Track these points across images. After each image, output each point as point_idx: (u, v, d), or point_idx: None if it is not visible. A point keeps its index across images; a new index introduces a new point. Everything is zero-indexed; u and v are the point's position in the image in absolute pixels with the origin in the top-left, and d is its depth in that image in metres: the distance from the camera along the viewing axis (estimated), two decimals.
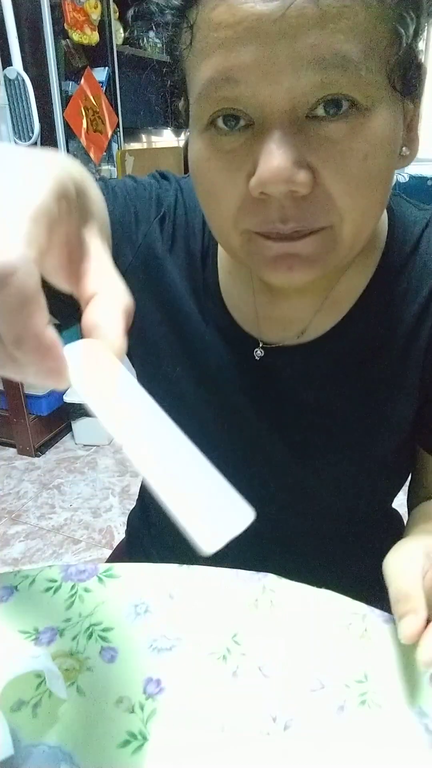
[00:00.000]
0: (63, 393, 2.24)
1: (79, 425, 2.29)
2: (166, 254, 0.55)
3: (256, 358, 0.53)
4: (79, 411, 2.24)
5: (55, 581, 0.52)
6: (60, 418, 2.31)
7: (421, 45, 0.38)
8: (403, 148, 0.42)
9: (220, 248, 0.55)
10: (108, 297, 0.25)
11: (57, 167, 0.24)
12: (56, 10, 2.03)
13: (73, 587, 0.52)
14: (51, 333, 0.22)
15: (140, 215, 0.55)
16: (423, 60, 0.40)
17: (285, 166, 0.35)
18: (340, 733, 0.40)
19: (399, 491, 0.64)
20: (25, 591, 0.52)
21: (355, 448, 0.55)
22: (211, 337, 0.55)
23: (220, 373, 0.55)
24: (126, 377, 0.22)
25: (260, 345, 0.53)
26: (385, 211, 0.51)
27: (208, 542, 0.21)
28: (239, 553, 0.60)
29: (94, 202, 0.30)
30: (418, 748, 0.39)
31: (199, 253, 0.55)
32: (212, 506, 0.21)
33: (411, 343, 0.51)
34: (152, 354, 0.57)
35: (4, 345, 0.21)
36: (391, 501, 0.65)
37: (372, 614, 0.49)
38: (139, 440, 0.21)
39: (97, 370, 0.22)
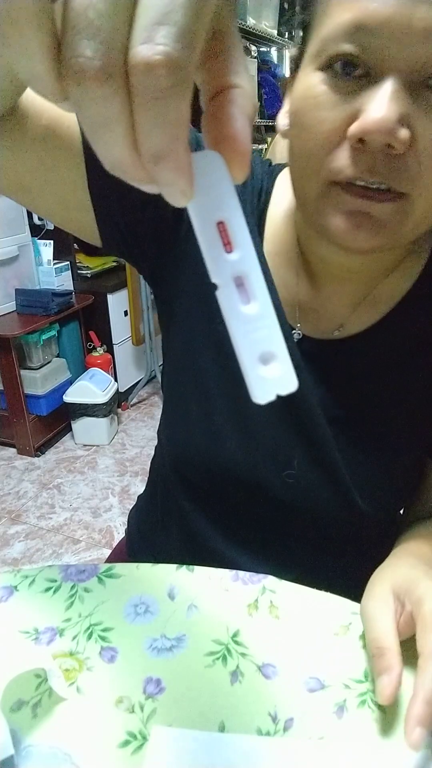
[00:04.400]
0: (63, 393, 2.24)
1: (78, 425, 2.29)
2: None
3: (294, 339, 0.54)
4: (79, 411, 2.25)
5: (55, 581, 0.52)
6: (60, 418, 2.31)
7: None
8: None
9: (267, 228, 0.55)
10: (245, 100, 0.20)
11: None
12: None
13: (73, 587, 0.52)
14: (189, 153, 0.19)
15: None
16: None
17: (390, 118, 0.36)
18: (340, 733, 0.40)
19: (407, 501, 0.64)
20: (25, 591, 0.52)
21: (379, 449, 0.55)
22: None
23: None
24: (236, 212, 0.22)
25: (299, 327, 0.54)
26: None
27: (259, 396, 0.23)
28: (239, 550, 0.60)
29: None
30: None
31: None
32: (271, 369, 0.23)
33: None
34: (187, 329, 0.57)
35: (132, 148, 0.18)
36: (399, 509, 0.65)
37: None
38: (230, 287, 0.22)
39: (214, 194, 0.21)
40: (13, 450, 2.25)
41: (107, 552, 1.61)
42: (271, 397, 0.23)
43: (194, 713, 0.42)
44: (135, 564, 0.54)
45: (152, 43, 0.16)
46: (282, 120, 0.47)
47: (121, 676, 0.45)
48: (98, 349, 2.43)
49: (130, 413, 2.59)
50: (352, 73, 0.38)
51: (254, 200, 0.55)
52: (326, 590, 0.51)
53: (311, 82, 0.40)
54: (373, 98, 0.36)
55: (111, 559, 0.80)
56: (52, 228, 2.31)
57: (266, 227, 0.55)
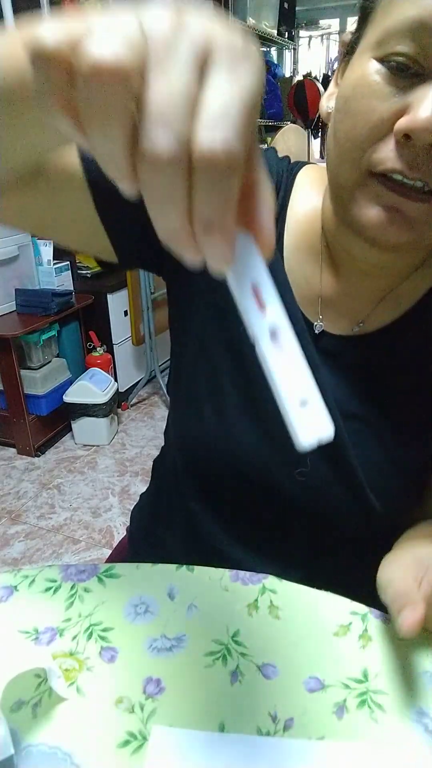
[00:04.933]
0: (63, 393, 2.24)
1: (78, 425, 2.29)
2: None
3: (316, 331, 0.54)
4: (79, 411, 2.25)
5: (55, 581, 0.52)
6: (60, 418, 2.31)
7: None
8: None
9: (289, 223, 0.55)
10: (266, 198, 0.25)
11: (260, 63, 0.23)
12: (56, 10, 2.02)
13: (73, 587, 0.52)
14: (233, 222, 0.23)
15: None
16: None
17: None
18: (340, 733, 0.40)
19: (414, 504, 0.63)
20: (25, 591, 0.52)
21: (394, 447, 0.55)
22: None
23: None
24: (267, 280, 0.25)
25: (320, 319, 0.54)
26: None
27: (305, 440, 0.25)
28: (243, 546, 0.60)
29: None
30: (418, 748, 0.39)
31: None
32: (310, 415, 0.26)
33: None
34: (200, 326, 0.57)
35: (192, 227, 0.22)
36: (412, 508, 0.64)
37: (372, 614, 0.49)
38: (271, 341, 0.25)
39: (248, 266, 0.25)
40: (13, 450, 2.25)
41: (107, 552, 1.61)
42: (314, 441, 0.25)
43: (194, 713, 0.42)
44: (135, 564, 0.54)
45: (215, 135, 0.20)
46: (326, 102, 0.48)
47: (121, 676, 0.45)
48: (98, 349, 2.43)
49: (130, 413, 2.59)
50: (408, 69, 0.39)
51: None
52: (330, 590, 0.51)
53: (367, 71, 0.41)
54: (425, 98, 0.37)
55: (111, 559, 0.80)
56: None
57: (287, 222, 0.55)
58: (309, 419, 0.25)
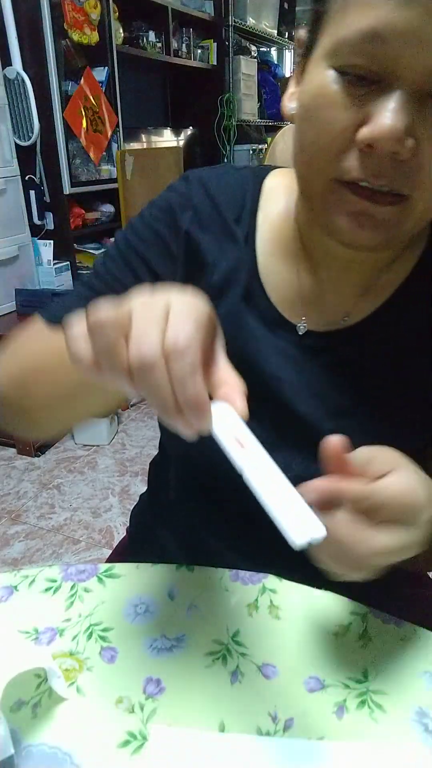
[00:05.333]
0: None
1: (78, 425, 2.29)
2: (206, 242, 0.56)
3: (299, 333, 0.54)
4: None
5: (55, 581, 0.52)
6: None
7: None
8: None
9: (259, 232, 0.56)
10: (234, 385, 0.36)
11: (207, 309, 0.36)
12: (56, 9, 2.03)
13: (73, 587, 0.52)
14: (207, 397, 0.32)
15: (165, 232, 0.57)
16: None
17: (399, 128, 0.37)
18: (340, 733, 0.40)
19: None
20: (25, 591, 0.52)
21: (383, 438, 0.55)
22: (250, 318, 0.55)
23: (258, 353, 0.55)
24: (245, 429, 0.34)
25: (303, 320, 0.54)
26: None
27: (299, 538, 0.30)
28: (245, 542, 0.60)
29: (221, 335, 0.39)
30: (418, 748, 0.39)
31: (242, 238, 0.56)
32: (299, 519, 0.31)
33: None
34: None
35: (175, 404, 0.32)
36: None
37: (372, 614, 0.49)
38: (254, 469, 0.32)
39: (229, 423, 0.34)
40: (13, 450, 2.25)
41: (107, 552, 1.61)
42: (306, 541, 0.30)
43: (194, 713, 0.42)
44: (135, 564, 0.54)
45: (173, 340, 0.32)
46: (288, 103, 0.48)
47: (121, 676, 0.45)
48: None
49: (130, 413, 2.59)
50: (365, 79, 0.39)
51: (235, 210, 0.56)
52: (330, 590, 0.51)
53: (324, 80, 0.41)
54: (384, 107, 0.38)
55: (111, 559, 0.80)
56: (52, 228, 2.31)
57: (259, 229, 0.56)
58: (299, 525, 0.30)
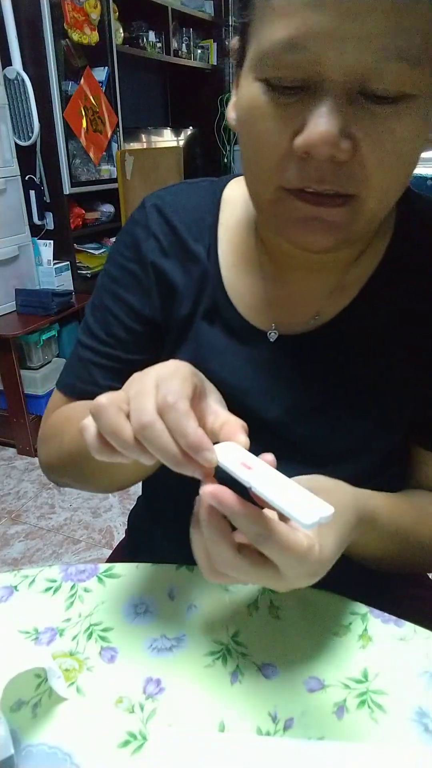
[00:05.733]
0: None
1: None
2: (170, 267, 0.57)
3: (271, 340, 0.54)
4: None
5: (55, 581, 0.52)
6: None
7: None
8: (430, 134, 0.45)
9: (220, 245, 0.56)
10: (234, 423, 0.39)
11: (189, 367, 0.40)
12: (56, 9, 2.02)
13: (73, 587, 0.52)
14: (205, 436, 0.35)
15: (137, 276, 0.58)
16: None
17: (333, 132, 0.37)
18: (340, 733, 0.40)
19: (396, 490, 0.63)
20: (25, 591, 0.52)
21: (366, 435, 0.55)
22: (217, 333, 0.55)
23: (223, 369, 0.55)
24: (251, 456, 0.36)
25: (273, 327, 0.54)
26: None
27: (308, 518, 0.31)
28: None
29: (211, 386, 0.43)
30: (418, 748, 0.39)
31: (204, 254, 0.56)
32: (305, 501, 0.33)
33: (420, 324, 0.52)
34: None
35: (181, 452, 0.35)
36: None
37: (372, 614, 0.49)
38: (260, 481, 0.34)
39: (234, 455, 0.36)
40: (13, 450, 2.25)
41: (107, 552, 1.61)
42: (316, 520, 0.31)
43: (194, 713, 0.42)
44: (135, 564, 0.54)
45: (164, 401, 0.35)
46: (230, 113, 0.48)
47: (121, 676, 0.45)
48: None
49: None
50: (291, 86, 0.38)
51: (194, 229, 0.57)
52: (330, 590, 0.51)
53: (253, 93, 0.41)
54: (315, 114, 0.37)
55: (111, 559, 0.80)
56: (52, 228, 2.31)
57: (221, 241, 0.56)
58: (306, 507, 0.32)
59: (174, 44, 3.09)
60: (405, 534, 0.51)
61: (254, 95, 0.40)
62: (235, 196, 0.57)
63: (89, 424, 0.37)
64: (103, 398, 0.36)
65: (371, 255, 0.53)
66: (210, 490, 0.34)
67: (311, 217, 0.42)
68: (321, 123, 0.37)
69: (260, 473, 0.35)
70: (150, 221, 0.58)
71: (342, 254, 0.51)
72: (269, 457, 0.37)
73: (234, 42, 0.45)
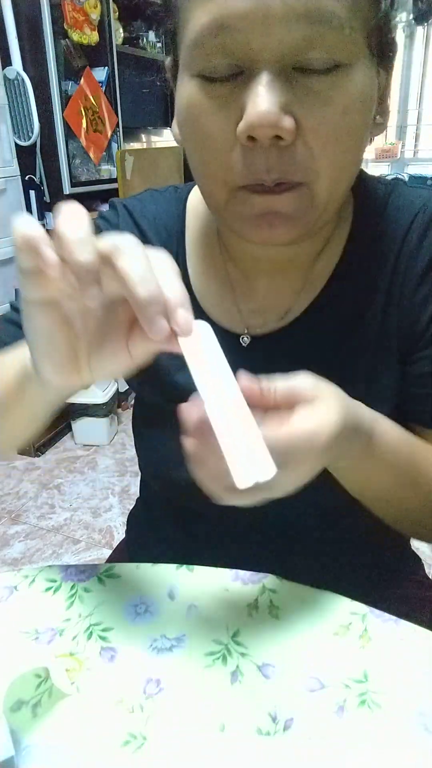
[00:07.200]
0: None
1: (78, 425, 2.29)
2: None
3: (243, 345, 0.54)
4: (79, 411, 2.25)
5: (55, 581, 0.52)
6: (60, 417, 2.31)
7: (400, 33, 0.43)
8: (377, 117, 0.45)
9: (188, 252, 0.56)
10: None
11: None
12: (56, 9, 2.02)
13: (73, 587, 0.52)
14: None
15: None
16: (395, 36, 0.43)
17: (272, 110, 0.37)
18: (340, 733, 0.40)
19: None
20: (25, 591, 0.52)
21: None
22: None
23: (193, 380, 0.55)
24: (220, 354, 0.32)
25: (246, 332, 0.54)
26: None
27: (244, 479, 0.29)
28: (240, 551, 0.60)
29: None
30: (418, 748, 0.39)
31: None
32: (249, 457, 0.29)
33: (387, 310, 0.52)
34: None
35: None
36: None
37: (372, 614, 0.49)
38: (216, 398, 0.30)
39: (204, 344, 0.32)
40: None
41: (107, 552, 1.61)
42: (251, 482, 0.29)
43: (194, 713, 0.42)
44: (135, 564, 0.54)
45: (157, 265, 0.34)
46: (175, 129, 0.47)
47: (121, 676, 0.45)
48: None
49: (130, 413, 2.59)
50: (224, 74, 0.38)
51: (161, 237, 0.56)
52: (330, 590, 0.50)
53: (189, 92, 0.41)
54: (252, 94, 0.37)
55: (111, 559, 0.80)
56: (52, 228, 2.31)
57: (188, 249, 0.56)
58: (247, 464, 0.29)
59: None
60: (411, 453, 0.50)
61: (191, 93, 0.40)
62: (198, 203, 0.57)
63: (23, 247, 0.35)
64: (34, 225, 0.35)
65: (334, 246, 0.53)
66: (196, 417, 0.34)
67: (267, 211, 0.42)
68: (259, 102, 0.37)
69: (219, 385, 0.31)
70: (120, 222, 0.57)
71: (304, 250, 0.51)
72: (245, 381, 0.35)
73: (168, 61, 0.45)
